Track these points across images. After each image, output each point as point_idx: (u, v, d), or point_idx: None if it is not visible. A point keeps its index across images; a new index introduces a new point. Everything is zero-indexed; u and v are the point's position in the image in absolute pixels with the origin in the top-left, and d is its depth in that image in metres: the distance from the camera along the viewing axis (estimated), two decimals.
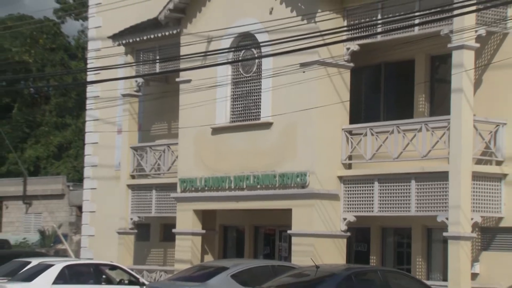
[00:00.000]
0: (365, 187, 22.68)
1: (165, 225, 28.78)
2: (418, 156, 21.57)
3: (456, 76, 20.67)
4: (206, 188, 25.63)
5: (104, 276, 23.78)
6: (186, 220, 26.21)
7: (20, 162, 49.63)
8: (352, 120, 23.56)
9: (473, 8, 20.13)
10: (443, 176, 20.78)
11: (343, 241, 23.16)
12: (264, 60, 24.15)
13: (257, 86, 24.78)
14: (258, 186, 24.26)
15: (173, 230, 26.74)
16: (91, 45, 32.98)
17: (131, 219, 28.80)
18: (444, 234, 20.76)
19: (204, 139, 25.87)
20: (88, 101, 33.22)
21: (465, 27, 20.38)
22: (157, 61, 28.43)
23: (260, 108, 24.62)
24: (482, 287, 20.37)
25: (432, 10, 20.80)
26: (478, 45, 20.85)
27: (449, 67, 21.19)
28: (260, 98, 24.62)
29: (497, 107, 21.41)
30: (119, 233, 28.94)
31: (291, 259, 23.26)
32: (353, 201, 22.98)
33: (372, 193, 22.46)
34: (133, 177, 28.99)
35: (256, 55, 24.66)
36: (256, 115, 24.74)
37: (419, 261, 23.11)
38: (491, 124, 21.26)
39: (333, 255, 22.49)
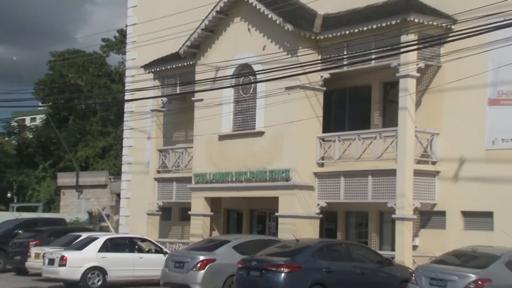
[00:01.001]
0: (334, 180, 22.77)
1: (182, 208, 28.72)
2: (373, 158, 21.77)
3: (402, 98, 20.91)
4: (214, 181, 25.68)
5: (136, 246, 24.14)
6: (199, 205, 26.26)
7: (74, 160, 49.59)
8: (324, 130, 23.61)
9: (415, 47, 20.50)
10: (392, 172, 20.95)
11: (317, 221, 23.25)
12: (258, 84, 24.22)
13: (253, 104, 24.78)
14: (253, 180, 24.29)
15: (189, 212, 26.78)
16: (128, 72, 33.03)
17: (157, 203, 28.81)
18: (393, 216, 20.98)
19: (213, 144, 25.86)
20: (125, 115, 33.24)
21: (409, 61, 20.63)
22: (177, 84, 28.49)
23: (255, 121, 24.63)
24: (421, 255, 20.37)
25: (384, 48, 21.09)
26: (418, 74, 21.13)
27: (397, 91, 21.34)
28: (255, 113, 24.63)
29: (432, 121, 21.55)
30: (148, 214, 28.98)
31: (278, 234, 23.24)
32: (324, 191, 23.03)
33: (339, 185, 22.56)
34: (158, 172, 28.96)
35: (252, 81, 24.63)
36: (252, 126, 24.71)
37: (374, 236, 23.21)
38: (428, 134, 21.47)
39: (309, 232, 22.56)
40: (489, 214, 20.24)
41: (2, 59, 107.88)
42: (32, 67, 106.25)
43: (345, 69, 22.74)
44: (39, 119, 73.51)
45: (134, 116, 31.68)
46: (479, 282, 15.38)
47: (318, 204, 23.13)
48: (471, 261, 16.36)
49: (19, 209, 51.08)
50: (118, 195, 36.17)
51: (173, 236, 29.20)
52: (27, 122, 77.29)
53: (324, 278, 17.50)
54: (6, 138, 68.52)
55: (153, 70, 29.01)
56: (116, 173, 43.73)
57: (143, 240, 24.88)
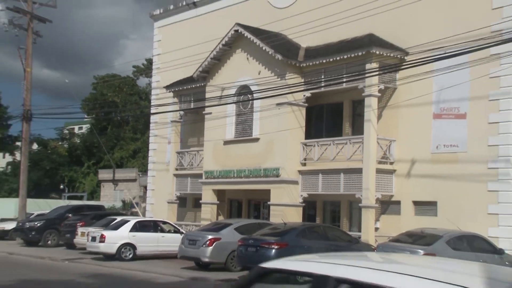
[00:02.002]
0: (313, 176, 22.67)
1: (195, 198, 28.55)
2: (345, 159, 21.63)
3: (367, 112, 20.87)
4: (219, 177, 25.55)
5: (159, 228, 24.14)
6: (208, 195, 26.11)
7: (111, 160, 49.57)
8: (306, 137, 23.45)
9: (376, 73, 20.52)
10: (359, 170, 20.91)
11: (301, 209, 23.14)
12: (255, 101, 24.11)
13: (250, 116, 24.65)
14: (250, 176, 24.16)
15: (200, 201, 26.63)
16: (153, 92, 32.97)
17: (175, 194, 28.66)
18: (360, 205, 20.98)
19: (219, 147, 25.72)
20: (151, 125, 33.17)
21: (372, 84, 20.67)
22: (192, 101, 28.34)
23: (252, 130, 24.48)
24: (381, 236, 20.34)
25: (353, 74, 21.16)
26: (379, 94, 21.10)
27: (363, 107, 21.26)
28: (252, 124, 24.48)
29: (390, 131, 21.48)
30: (168, 202, 28.82)
31: (269, 219, 23.16)
32: (306, 185, 22.90)
33: (318, 180, 22.45)
34: (176, 169, 28.80)
35: (250, 98, 24.53)
36: (249, 134, 24.56)
37: (345, 220, 23.15)
38: (387, 140, 21.44)
39: (294, 217, 22.42)
40: (433, 203, 20.26)
41: (57, 81, 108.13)
42: (80, 87, 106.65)
43: (322, 89, 22.68)
44: (85, 128, 73.63)
45: (158, 126, 31.57)
46: None
47: (302, 195, 22.96)
48: (420, 240, 16.39)
49: (69, 198, 51.17)
50: (145, 187, 36.13)
51: (187, 220, 29.06)
52: (76, 130, 77.18)
53: (306, 253, 17.40)
54: (60, 143, 68.59)
55: (172, 89, 28.88)
56: (144, 170, 43.69)
57: (164, 222, 24.94)
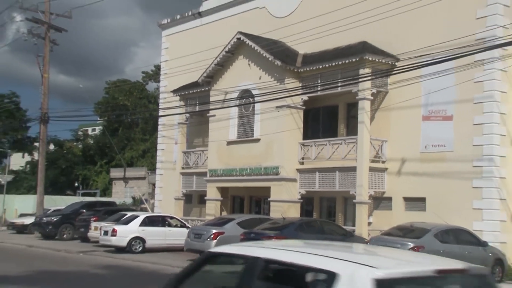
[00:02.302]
0: (311, 174, 22.62)
1: (200, 195, 28.49)
2: (340, 158, 21.60)
3: (360, 114, 20.87)
4: (223, 175, 25.52)
5: (167, 222, 24.13)
6: (212, 192, 26.09)
7: (122, 159, 49.59)
8: (304, 138, 23.42)
9: (369, 78, 20.54)
10: (353, 169, 20.89)
11: (299, 204, 23.10)
12: (256, 104, 24.07)
13: (252, 118, 24.60)
14: (252, 174, 24.12)
15: (205, 198, 26.62)
16: (161, 96, 32.97)
17: (182, 191, 28.61)
18: (354, 201, 20.94)
19: (222, 147, 25.69)
20: (159, 126, 33.11)
21: (365, 88, 20.67)
22: (197, 104, 28.29)
23: (253, 131, 24.43)
24: (374, 229, 20.34)
25: (347, 78, 21.15)
26: (372, 98, 21.09)
27: (356, 109, 21.26)
28: (254, 125, 24.43)
29: (382, 131, 21.45)
30: (175, 199, 28.78)
31: (270, 214, 23.07)
32: (304, 182, 22.85)
33: (315, 178, 22.40)
34: (183, 168, 28.75)
35: (251, 102, 24.50)
36: (251, 135, 24.52)
37: (340, 215, 23.11)
38: (379, 141, 21.40)
39: (293, 212, 22.43)
40: (422, 199, 20.23)
41: (72, 86, 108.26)
42: (93, 92, 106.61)
43: (319, 93, 22.62)
44: (97, 129, 73.63)
45: (165, 127, 31.55)
46: (415, 248, 15.36)
47: (300, 192, 22.93)
48: (410, 234, 16.39)
49: (83, 195, 51.21)
50: (154, 185, 36.15)
51: (193, 215, 29.01)
52: (89, 131, 77.27)
53: None
54: (75, 143, 68.67)
55: (179, 94, 28.87)
56: (152, 168, 43.71)
57: (172, 217, 24.91)
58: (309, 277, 4.24)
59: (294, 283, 4.32)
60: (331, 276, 3.86)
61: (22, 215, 36.98)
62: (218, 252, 5.17)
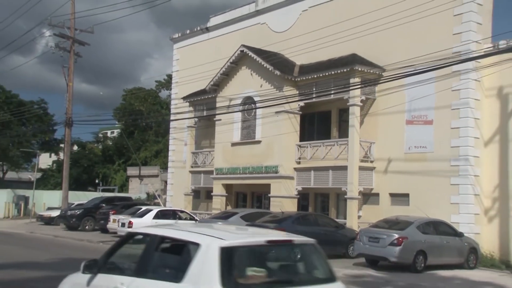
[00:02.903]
0: (307, 173, 22.65)
1: (207, 191, 28.50)
2: (333, 158, 21.64)
3: (351, 119, 20.93)
4: (228, 173, 25.55)
5: (177, 215, 23.91)
6: (218, 189, 26.12)
7: (137, 159, 49.68)
8: (301, 140, 23.46)
9: (359, 86, 20.60)
10: (344, 168, 20.93)
11: (296, 200, 23.14)
12: (257, 110, 24.08)
13: (254, 122, 24.60)
14: (254, 172, 24.14)
15: (211, 193, 26.62)
16: (172, 102, 33.00)
17: (191, 188, 28.65)
18: (345, 196, 20.96)
19: (227, 148, 25.73)
20: (170, 129, 33.20)
21: (355, 95, 20.73)
22: (204, 110, 28.33)
23: (255, 133, 24.43)
24: (363, 222, 20.37)
25: (339, 87, 21.17)
26: (361, 104, 21.12)
27: (347, 114, 21.33)
28: (255, 128, 24.43)
29: (371, 134, 21.52)
30: (185, 194, 28.84)
31: (270, 208, 23.06)
32: (301, 180, 22.87)
33: (310, 176, 22.43)
34: (192, 167, 28.77)
35: (253, 107, 24.51)
36: (253, 137, 24.52)
37: (333, 210, 23.13)
38: (368, 142, 21.43)
39: (290, 207, 22.49)
40: (406, 195, 20.25)
41: (93, 93, 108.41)
42: (112, 98, 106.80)
43: (314, 100, 22.64)
44: (116, 132, 73.74)
45: (176, 130, 31.55)
46: (400, 239, 15.46)
47: (296, 189, 22.97)
48: (395, 226, 16.38)
49: (103, 191, 51.15)
50: (166, 182, 36.20)
51: (201, 209, 29.01)
52: (109, 134, 77.38)
53: None
54: (95, 145, 68.77)
55: (188, 100, 28.87)
56: (164, 167, 43.80)
57: (182, 211, 24.76)
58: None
59: (177, 251, 5.45)
60: (196, 245, 5.04)
61: (49, 209, 37.12)
62: (134, 232, 6.27)
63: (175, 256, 5.48)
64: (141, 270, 5.49)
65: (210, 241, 5.03)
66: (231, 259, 4.89)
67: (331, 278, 5.47)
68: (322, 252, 5.65)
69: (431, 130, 19.66)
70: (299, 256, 5.57)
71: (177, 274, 5.05)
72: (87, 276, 6.00)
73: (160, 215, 23.16)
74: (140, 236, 6.10)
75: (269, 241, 5.37)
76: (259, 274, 5.12)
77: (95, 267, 6.01)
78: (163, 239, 5.70)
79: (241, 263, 5.10)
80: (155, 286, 5.14)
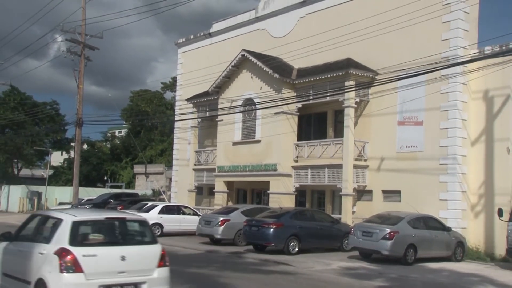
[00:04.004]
0: (304, 171, 22.57)
1: (210, 188, 28.48)
2: (328, 157, 21.61)
3: (346, 120, 20.87)
4: (229, 171, 25.45)
5: (181, 211, 23.86)
6: (220, 185, 26.05)
7: (143, 157, 49.61)
8: (298, 139, 23.40)
9: (353, 89, 20.58)
10: (340, 166, 20.90)
11: (293, 196, 23.03)
12: (257, 110, 24.04)
13: (254, 123, 24.52)
14: (254, 170, 24.08)
15: (214, 190, 26.58)
16: (177, 103, 32.99)
17: (194, 184, 28.55)
18: (340, 193, 20.94)
19: (229, 147, 25.66)
20: (175, 129, 33.12)
21: (350, 97, 20.68)
22: (207, 110, 28.24)
23: (255, 133, 24.36)
24: (357, 217, 20.36)
25: (335, 89, 21.16)
26: (356, 106, 21.08)
27: (343, 115, 21.24)
28: (255, 129, 24.36)
29: (365, 134, 21.50)
30: (188, 191, 28.74)
31: (269, 204, 22.98)
32: (298, 177, 22.80)
33: (307, 174, 22.37)
34: (195, 165, 28.67)
35: (253, 108, 24.46)
36: (253, 137, 24.46)
37: (328, 205, 23.08)
38: (362, 142, 21.41)
39: (288, 203, 22.41)
40: (398, 192, 20.25)
41: (102, 95, 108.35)
42: (119, 100, 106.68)
43: (311, 101, 22.54)
44: (123, 132, 73.71)
45: (180, 130, 31.49)
46: (392, 233, 15.50)
47: (294, 186, 22.89)
48: (387, 221, 16.38)
49: (111, 187, 51.32)
50: (170, 179, 36.11)
51: (204, 205, 28.95)
52: (116, 133, 77.38)
53: (298, 231, 17.44)
54: (104, 143, 68.80)
55: (192, 101, 28.79)
56: (169, 165, 43.76)
57: (186, 207, 24.71)
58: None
59: (52, 224, 7.72)
60: (61, 220, 7.52)
61: (60, 204, 37.14)
62: (35, 214, 8.66)
63: (51, 227, 7.71)
64: (33, 237, 7.93)
65: (68, 217, 7.50)
66: (78, 228, 7.37)
67: (152, 241, 7.92)
68: (148, 225, 8.33)
69: (421, 131, 19.65)
70: (130, 227, 8.08)
71: (49, 238, 7.42)
72: (5, 243, 8.47)
73: (165, 210, 23.17)
74: (38, 216, 8.51)
75: (107, 217, 7.98)
76: (97, 237, 7.68)
77: (10, 237, 8.40)
78: (47, 217, 8.13)
79: (85, 231, 7.58)
80: (37, 246, 7.47)
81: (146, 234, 7.99)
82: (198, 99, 28.39)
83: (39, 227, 8.06)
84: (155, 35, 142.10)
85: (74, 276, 6.87)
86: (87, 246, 7.29)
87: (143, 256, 7.59)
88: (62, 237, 7.16)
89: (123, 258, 7.29)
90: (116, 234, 7.85)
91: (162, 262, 7.72)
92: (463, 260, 17.12)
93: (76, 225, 7.31)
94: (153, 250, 7.72)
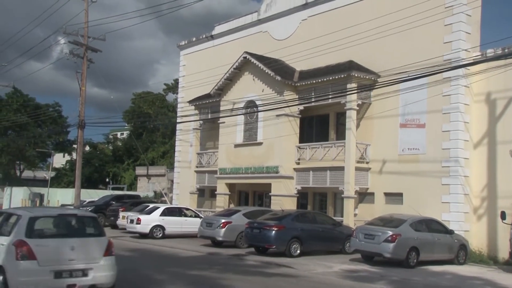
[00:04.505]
0: (305, 173, 22.52)
1: (211, 190, 28.47)
2: (330, 159, 21.55)
3: (348, 122, 20.84)
4: (231, 173, 25.44)
5: (183, 213, 23.89)
6: (221, 187, 26.04)
7: (145, 159, 49.67)
8: (300, 141, 23.35)
9: (355, 91, 20.54)
10: (342, 168, 20.83)
11: (295, 198, 22.99)
12: (259, 113, 24.02)
13: (255, 125, 24.48)
14: (255, 172, 24.03)
15: (215, 192, 26.55)
16: (179, 105, 32.93)
17: (196, 186, 28.55)
18: (342, 195, 20.82)
19: (230, 149, 25.64)
20: (177, 131, 33.11)
21: (352, 100, 20.64)
22: (209, 113, 28.26)
23: (257, 135, 24.32)
24: (359, 220, 20.25)
25: (337, 91, 21.16)
26: (358, 108, 21.05)
27: (345, 118, 21.21)
28: (257, 131, 24.31)
29: (366, 137, 21.43)
30: (190, 193, 28.75)
31: (270, 206, 22.93)
32: (300, 179, 22.75)
33: (309, 176, 22.31)
34: (197, 167, 28.69)
35: (255, 111, 24.44)
36: (255, 139, 24.42)
37: (330, 208, 23.03)
38: (364, 144, 21.34)
39: (290, 205, 22.37)
40: (400, 194, 20.19)
41: (104, 97, 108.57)
42: (121, 102, 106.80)
43: (313, 104, 22.50)
44: (125, 134, 73.78)
45: (182, 132, 31.50)
46: (394, 236, 15.45)
47: (296, 188, 22.82)
48: (389, 223, 16.34)
49: (113, 189, 51.28)
50: (172, 181, 36.13)
51: (205, 207, 28.98)
52: (118, 135, 77.41)
53: (299, 234, 17.38)
54: (106, 145, 68.81)
55: (194, 104, 28.79)
56: (171, 167, 43.74)
57: (187, 209, 24.67)
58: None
59: (13, 220, 9.02)
60: (20, 216, 8.83)
61: (62, 206, 37.15)
62: (4, 211, 9.91)
63: (12, 222, 8.92)
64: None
65: (26, 214, 8.85)
66: (34, 223, 8.67)
67: (100, 234, 9.20)
68: (97, 221, 9.53)
69: (423, 133, 19.60)
70: (80, 222, 9.43)
71: (10, 232, 8.67)
72: None
73: (167, 212, 23.13)
74: (4, 213, 9.78)
75: (59, 214, 9.58)
76: (50, 231, 9.14)
77: None
78: (10, 214, 9.41)
79: (40, 225, 8.85)
80: (0, 238, 8.73)
81: (94, 228, 9.31)
82: (200, 101, 28.38)
83: (3, 222, 9.28)
84: (157, 37, 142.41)
85: (28, 263, 8.14)
86: (41, 238, 8.61)
87: (90, 247, 8.80)
88: (20, 231, 8.48)
89: (72, 248, 8.52)
90: (67, 228, 9.27)
91: (107, 252, 8.90)
92: (465, 263, 17.05)
93: (32, 220, 8.66)
94: (100, 242, 8.96)
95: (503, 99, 18.44)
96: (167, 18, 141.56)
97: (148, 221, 22.41)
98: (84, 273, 8.55)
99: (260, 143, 24.04)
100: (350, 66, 21.13)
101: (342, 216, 20.95)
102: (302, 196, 23.79)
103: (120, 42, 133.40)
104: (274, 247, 17.21)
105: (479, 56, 18.27)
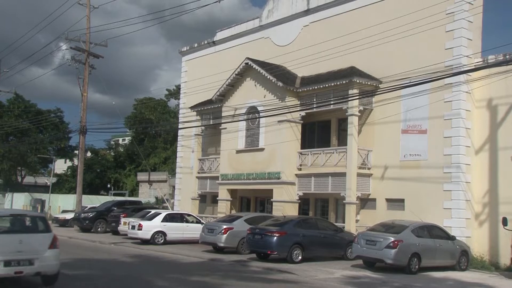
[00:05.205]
0: (307, 179, 22.50)
1: (213, 195, 28.44)
2: (332, 165, 21.53)
3: (349, 128, 20.87)
4: (232, 179, 25.41)
5: (184, 219, 23.80)
6: (223, 193, 26.02)
7: (147, 165, 49.69)
8: (302, 147, 23.34)
9: (357, 97, 20.59)
10: (343, 174, 20.82)
11: (297, 204, 22.93)
12: (261, 119, 24.04)
13: (257, 131, 24.49)
14: (257, 178, 24.01)
15: (217, 198, 26.53)
16: (181, 111, 32.96)
17: (197, 192, 28.52)
18: (344, 201, 20.80)
19: (232, 155, 25.63)
20: (178, 137, 33.11)
21: (353, 106, 20.68)
22: (211, 118, 28.26)
23: (258, 141, 24.33)
24: (360, 226, 20.25)
25: (338, 97, 21.20)
26: (359, 114, 21.06)
27: (346, 124, 21.27)
28: (259, 137, 24.31)
29: (368, 143, 21.45)
30: (192, 199, 28.73)
31: (272, 212, 22.92)
32: (301, 185, 22.72)
33: (311, 182, 22.30)
34: (198, 173, 28.65)
35: (257, 117, 24.46)
36: (256, 145, 24.42)
37: (332, 214, 23.01)
38: (365, 150, 21.34)
39: (292, 211, 22.30)
40: (401, 200, 20.18)
41: (106, 103, 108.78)
42: (123, 108, 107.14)
43: (314, 110, 22.49)
44: (127, 139, 73.90)
45: (184, 138, 31.51)
46: (395, 242, 15.46)
47: (298, 194, 22.79)
48: (391, 229, 16.33)
49: (114, 195, 51.34)
50: (174, 187, 36.13)
51: (207, 213, 28.95)
52: (120, 141, 77.56)
53: (301, 240, 17.37)
54: (108, 151, 68.92)
55: (196, 109, 28.80)
56: (173, 173, 43.77)
57: (189, 215, 24.62)
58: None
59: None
60: None
61: (64, 211, 37.28)
62: None
63: None
64: None
65: None
66: None
67: (46, 231, 10.74)
68: (44, 219, 11.11)
69: (425, 139, 19.63)
70: (29, 221, 11.00)
71: None
72: None
73: (168, 218, 23.10)
74: None
75: (11, 214, 11.47)
76: (3, 228, 10.60)
77: None
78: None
79: None
80: None
81: (41, 225, 10.85)
82: (201, 107, 28.42)
83: None
84: (159, 44, 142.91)
85: None
86: None
87: (36, 241, 10.38)
88: None
89: (20, 242, 10.06)
90: (17, 225, 10.88)
91: (52, 245, 10.48)
92: (467, 269, 17.04)
93: None
94: (46, 237, 10.54)
95: (504, 105, 18.49)
96: (169, 24, 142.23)
97: (149, 227, 22.38)
98: (30, 262, 10.11)
99: (262, 149, 24.06)
100: (351, 72, 21.20)
101: (343, 222, 20.94)
102: (304, 202, 23.75)
103: (122, 48, 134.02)
104: (275, 253, 17.19)
105: (481, 62, 18.35)
